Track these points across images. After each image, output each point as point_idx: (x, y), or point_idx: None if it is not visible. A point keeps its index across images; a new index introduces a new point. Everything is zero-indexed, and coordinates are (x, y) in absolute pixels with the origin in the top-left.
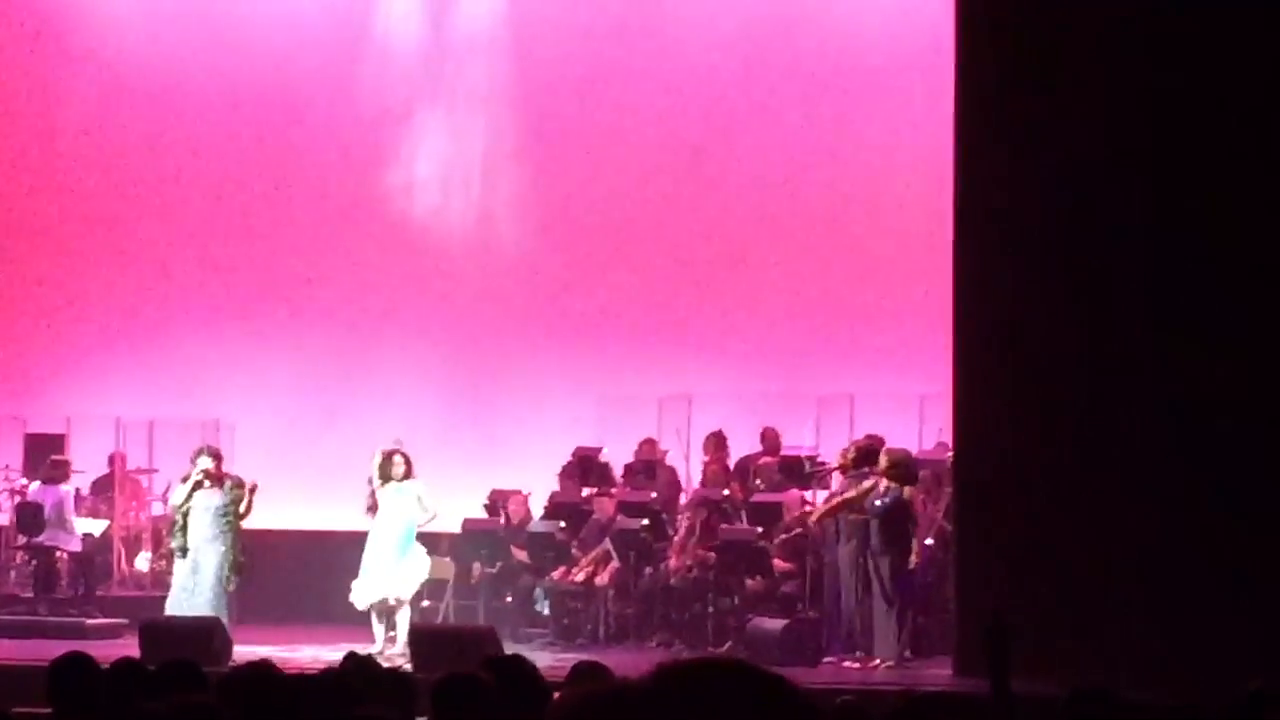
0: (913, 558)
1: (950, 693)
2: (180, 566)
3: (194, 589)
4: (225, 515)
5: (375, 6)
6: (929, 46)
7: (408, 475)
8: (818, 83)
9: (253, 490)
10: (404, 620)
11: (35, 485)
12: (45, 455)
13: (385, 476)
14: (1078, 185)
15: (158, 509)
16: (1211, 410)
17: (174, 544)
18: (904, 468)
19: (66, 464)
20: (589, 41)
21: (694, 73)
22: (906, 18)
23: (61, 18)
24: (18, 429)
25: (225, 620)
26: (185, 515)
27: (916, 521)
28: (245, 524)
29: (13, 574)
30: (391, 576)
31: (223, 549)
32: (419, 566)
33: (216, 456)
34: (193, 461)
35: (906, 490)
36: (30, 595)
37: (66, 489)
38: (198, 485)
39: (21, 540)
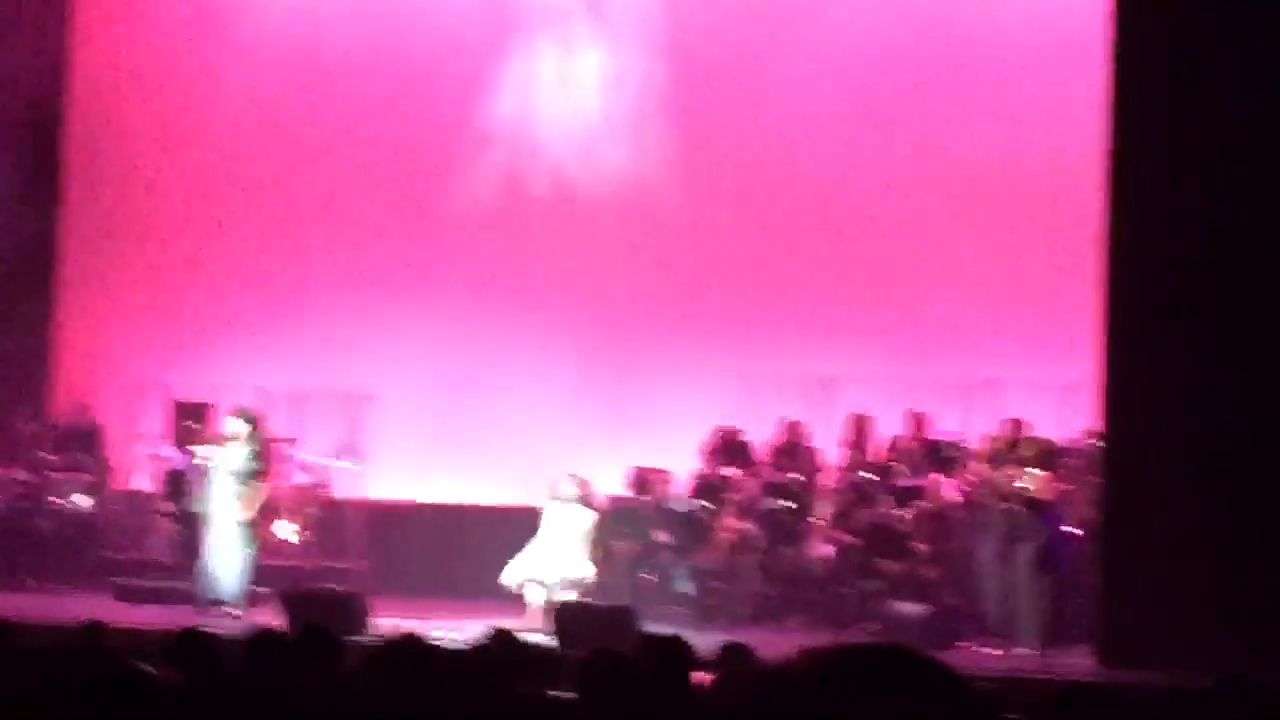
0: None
1: (1099, 684)
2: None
3: (216, 553)
4: (236, 476)
5: None
6: (1084, 28)
7: (584, 502)
8: (969, 61)
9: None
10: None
11: (169, 451)
12: (190, 423)
13: (554, 494)
14: (1235, 171)
15: (300, 478)
16: None
17: (196, 508)
18: (1045, 456)
19: (200, 431)
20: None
21: (847, 45)
22: None
23: None
24: (167, 396)
25: (242, 586)
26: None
27: (1057, 508)
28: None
29: (156, 540)
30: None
31: (233, 511)
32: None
33: (247, 418)
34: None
35: (1043, 478)
36: (174, 562)
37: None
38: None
39: (170, 508)
